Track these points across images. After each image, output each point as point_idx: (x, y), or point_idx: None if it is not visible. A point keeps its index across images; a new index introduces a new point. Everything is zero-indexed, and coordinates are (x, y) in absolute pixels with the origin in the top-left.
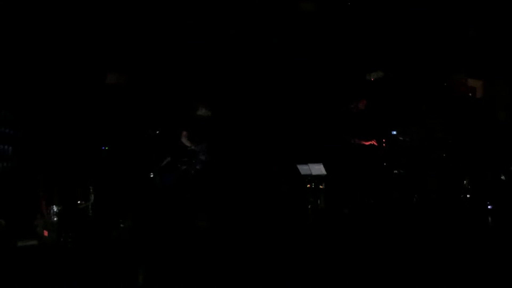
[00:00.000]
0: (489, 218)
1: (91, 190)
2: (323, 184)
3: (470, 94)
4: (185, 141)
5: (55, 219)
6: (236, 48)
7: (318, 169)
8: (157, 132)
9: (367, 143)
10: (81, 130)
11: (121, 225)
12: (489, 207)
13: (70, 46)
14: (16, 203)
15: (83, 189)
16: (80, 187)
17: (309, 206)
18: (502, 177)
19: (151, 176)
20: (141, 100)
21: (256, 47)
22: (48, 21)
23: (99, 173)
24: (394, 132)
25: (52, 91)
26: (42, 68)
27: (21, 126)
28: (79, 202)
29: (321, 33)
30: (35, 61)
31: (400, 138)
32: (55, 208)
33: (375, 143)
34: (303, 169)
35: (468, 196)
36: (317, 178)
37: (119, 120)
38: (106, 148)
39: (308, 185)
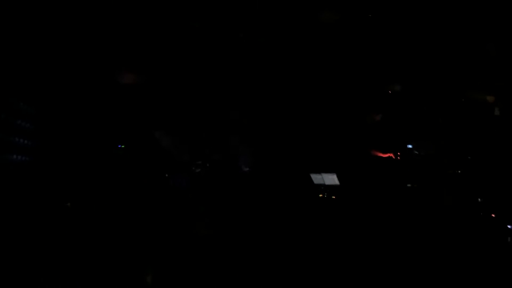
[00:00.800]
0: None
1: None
2: (336, 195)
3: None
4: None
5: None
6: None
7: (331, 179)
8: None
9: (384, 155)
10: (98, 126)
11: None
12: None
13: (90, 47)
14: (36, 196)
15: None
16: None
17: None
18: None
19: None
20: (158, 101)
21: (273, 56)
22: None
23: (114, 172)
24: (410, 146)
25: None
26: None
27: (40, 121)
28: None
29: (339, 46)
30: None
31: (416, 152)
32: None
33: (392, 156)
34: (317, 178)
35: (482, 213)
36: (330, 188)
37: (134, 119)
38: (122, 146)
39: (321, 195)
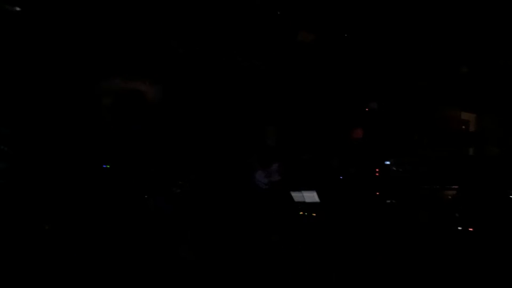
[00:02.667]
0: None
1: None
2: (316, 212)
3: (464, 127)
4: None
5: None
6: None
7: (311, 196)
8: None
9: (362, 171)
10: (78, 145)
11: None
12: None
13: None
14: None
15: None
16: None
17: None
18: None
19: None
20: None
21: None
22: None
23: (92, 193)
24: (388, 162)
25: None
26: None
27: (15, 143)
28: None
29: (318, 65)
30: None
31: (393, 168)
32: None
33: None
34: (297, 196)
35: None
36: (310, 206)
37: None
38: (108, 166)
39: (301, 213)
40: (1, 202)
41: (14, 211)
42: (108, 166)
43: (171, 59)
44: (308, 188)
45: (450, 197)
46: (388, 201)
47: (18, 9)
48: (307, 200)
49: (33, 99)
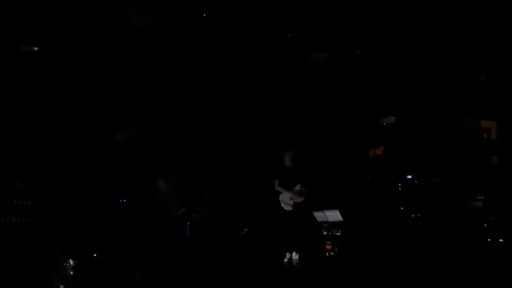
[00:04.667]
0: None
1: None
2: (340, 231)
3: (485, 136)
4: (278, 188)
5: (72, 272)
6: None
7: (334, 215)
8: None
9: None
10: (97, 182)
11: (137, 277)
12: None
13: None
14: (33, 257)
15: (99, 242)
16: (96, 239)
17: (326, 254)
18: None
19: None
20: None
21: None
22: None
23: (115, 225)
24: (409, 176)
25: (70, 144)
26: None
27: (39, 181)
28: (95, 255)
29: (331, 84)
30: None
31: (416, 182)
32: (71, 262)
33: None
34: (319, 216)
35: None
36: (334, 225)
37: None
38: (124, 200)
39: (325, 233)
40: (25, 239)
41: (39, 249)
42: (124, 200)
43: (191, 86)
44: (331, 207)
45: (477, 208)
46: (413, 216)
47: (35, 48)
48: (330, 219)
49: (56, 142)
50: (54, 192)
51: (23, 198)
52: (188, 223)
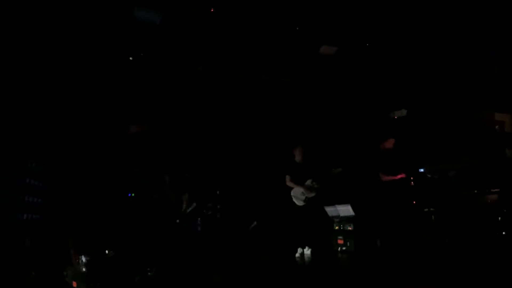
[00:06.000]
0: None
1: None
2: (352, 226)
3: (499, 128)
4: (289, 183)
5: (84, 269)
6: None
7: (345, 210)
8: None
9: (397, 178)
10: (108, 178)
11: (148, 273)
12: None
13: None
14: (46, 253)
15: (111, 238)
16: (108, 236)
17: (339, 249)
18: None
19: (178, 222)
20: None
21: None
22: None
23: (126, 221)
24: (422, 170)
25: (81, 141)
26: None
27: (50, 178)
28: (107, 251)
29: (343, 78)
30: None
31: (428, 175)
32: (83, 258)
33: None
34: (330, 210)
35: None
36: (346, 220)
37: (146, 166)
38: (133, 194)
39: (337, 227)
40: (38, 236)
41: (50, 245)
42: (133, 195)
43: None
44: (342, 202)
45: (491, 201)
46: (426, 210)
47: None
48: (342, 214)
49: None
50: (66, 189)
51: (35, 195)
52: (199, 218)
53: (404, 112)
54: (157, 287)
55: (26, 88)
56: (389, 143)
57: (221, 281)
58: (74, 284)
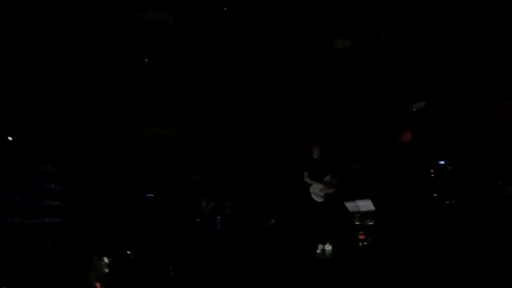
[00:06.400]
0: None
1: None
2: (372, 221)
3: None
4: (307, 180)
5: (107, 270)
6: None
7: (366, 205)
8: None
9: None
10: (126, 179)
11: (171, 273)
12: None
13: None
14: (69, 256)
15: (132, 239)
16: (130, 237)
17: (360, 244)
18: None
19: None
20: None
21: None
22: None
23: (146, 222)
24: (442, 162)
25: (99, 143)
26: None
27: (69, 181)
28: (128, 252)
29: (359, 71)
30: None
31: (449, 167)
32: (106, 260)
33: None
34: (351, 206)
35: None
36: (366, 215)
37: (163, 166)
38: (151, 195)
39: (357, 223)
40: (60, 239)
41: (70, 248)
42: (152, 195)
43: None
44: (362, 197)
45: None
46: (447, 202)
47: None
48: (362, 209)
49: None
50: (86, 192)
51: (55, 198)
52: (219, 217)
53: (422, 104)
54: (177, 286)
55: (43, 92)
56: (407, 136)
57: (239, 279)
58: (98, 285)
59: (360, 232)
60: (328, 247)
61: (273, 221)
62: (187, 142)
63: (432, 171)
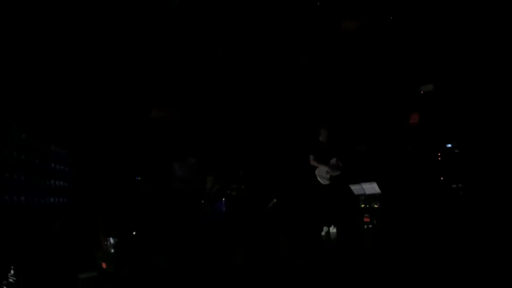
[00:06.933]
0: None
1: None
2: (378, 203)
3: None
4: (313, 162)
5: (113, 250)
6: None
7: (371, 188)
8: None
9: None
10: (134, 161)
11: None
12: None
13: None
14: (76, 236)
15: (138, 221)
16: (136, 218)
17: (365, 227)
18: None
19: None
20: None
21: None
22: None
23: (151, 203)
24: (450, 145)
25: (104, 127)
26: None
27: (77, 162)
28: (134, 233)
29: (366, 52)
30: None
31: (456, 151)
32: (112, 240)
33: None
34: (356, 189)
35: None
36: (371, 197)
37: (169, 149)
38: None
39: (363, 205)
40: (68, 219)
41: (77, 228)
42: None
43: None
44: (368, 179)
45: None
46: (454, 186)
47: None
48: (368, 192)
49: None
50: (92, 173)
51: (60, 179)
52: (224, 199)
53: (430, 86)
54: (181, 268)
55: (50, 78)
56: (414, 118)
57: (244, 261)
58: (104, 265)
59: (365, 215)
60: (333, 230)
61: (275, 200)
62: (193, 126)
63: (439, 154)
